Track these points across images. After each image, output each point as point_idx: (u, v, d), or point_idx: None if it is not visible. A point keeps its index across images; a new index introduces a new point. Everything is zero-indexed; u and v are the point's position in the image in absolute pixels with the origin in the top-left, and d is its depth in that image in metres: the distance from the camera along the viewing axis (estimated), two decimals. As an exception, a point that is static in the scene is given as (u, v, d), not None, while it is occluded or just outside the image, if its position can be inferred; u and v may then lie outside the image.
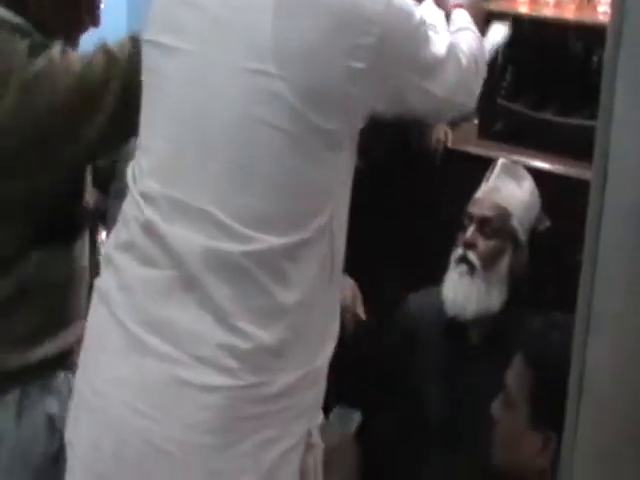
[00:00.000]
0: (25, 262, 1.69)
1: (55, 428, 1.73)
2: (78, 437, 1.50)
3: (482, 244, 2.23)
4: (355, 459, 2.38)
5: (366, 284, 2.70)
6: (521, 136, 2.62)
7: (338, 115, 1.41)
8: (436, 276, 2.33)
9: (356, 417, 2.59)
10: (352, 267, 2.59)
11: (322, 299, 1.47)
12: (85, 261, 1.80)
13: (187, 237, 1.39)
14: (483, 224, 2.24)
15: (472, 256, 2.23)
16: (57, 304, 1.75)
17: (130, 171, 1.51)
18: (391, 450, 2.44)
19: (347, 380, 2.48)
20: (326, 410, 2.26)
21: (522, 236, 2.26)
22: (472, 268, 2.23)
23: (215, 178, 1.40)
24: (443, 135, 2.65)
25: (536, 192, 2.32)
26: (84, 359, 1.53)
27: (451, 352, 2.32)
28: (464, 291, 2.24)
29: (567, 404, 1.06)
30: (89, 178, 1.78)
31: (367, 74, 1.40)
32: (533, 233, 2.30)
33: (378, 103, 1.47)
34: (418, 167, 2.67)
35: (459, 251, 2.26)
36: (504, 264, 2.24)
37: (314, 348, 1.47)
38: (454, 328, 2.29)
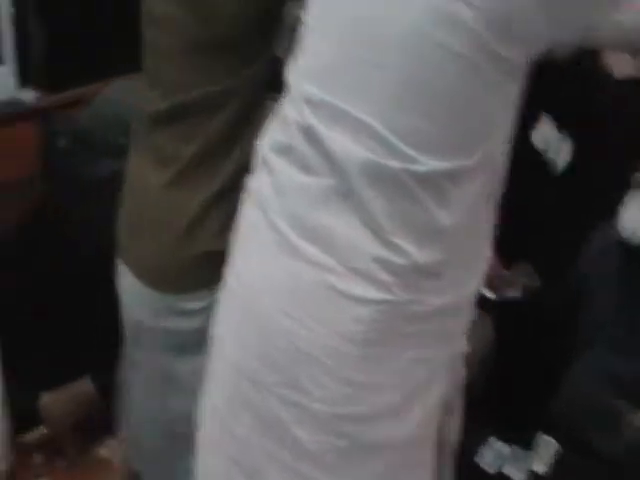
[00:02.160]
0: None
1: None
2: (225, 332, 1.52)
3: None
4: (488, 330, 2.38)
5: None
6: None
7: (520, 43, 1.36)
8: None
9: None
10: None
11: (479, 221, 1.45)
12: None
13: (347, 146, 1.37)
14: None
15: None
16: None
17: (288, 69, 1.48)
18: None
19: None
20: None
21: None
22: None
23: (381, 93, 1.37)
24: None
25: None
26: (233, 257, 1.54)
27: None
28: None
29: None
30: None
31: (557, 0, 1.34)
32: None
33: (564, 32, 1.39)
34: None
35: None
36: None
37: (469, 271, 1.46)
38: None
